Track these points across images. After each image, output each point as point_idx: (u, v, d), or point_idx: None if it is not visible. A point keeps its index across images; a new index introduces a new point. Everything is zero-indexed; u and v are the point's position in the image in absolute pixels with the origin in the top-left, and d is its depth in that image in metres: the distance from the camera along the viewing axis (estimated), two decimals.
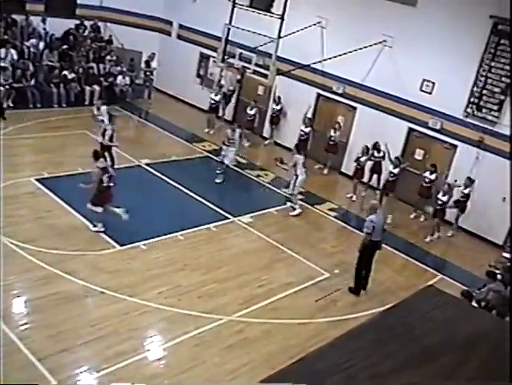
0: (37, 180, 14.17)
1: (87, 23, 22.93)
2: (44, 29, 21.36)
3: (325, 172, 18.38)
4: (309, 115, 18.57)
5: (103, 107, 16.05)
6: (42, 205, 13.11)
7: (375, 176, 16.97)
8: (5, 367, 8.24)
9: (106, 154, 14.14)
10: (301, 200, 15.85)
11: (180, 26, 22.96)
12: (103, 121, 15.55)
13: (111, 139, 15.05)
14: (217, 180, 15.94)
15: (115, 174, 12.52)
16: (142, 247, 12.12)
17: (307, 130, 18.23)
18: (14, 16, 20.95)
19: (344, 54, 17.04)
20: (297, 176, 15.07)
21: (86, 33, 22.76)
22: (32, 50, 20.50)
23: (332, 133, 17.95)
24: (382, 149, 16.43)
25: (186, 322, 10.05)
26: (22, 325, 9.30)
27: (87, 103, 20.69)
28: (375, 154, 16.69)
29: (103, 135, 15.11)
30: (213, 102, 20.29)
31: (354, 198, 16.78)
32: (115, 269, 11.19)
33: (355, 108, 18.33)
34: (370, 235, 11.36)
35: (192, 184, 15.39)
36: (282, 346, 9.87)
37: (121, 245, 12.02)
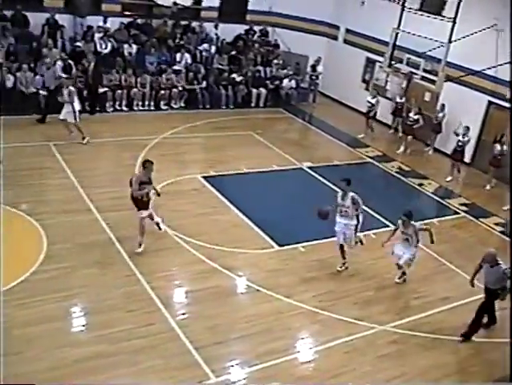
0: (203, 177, 14.83)
1: (256, 28, 23.69)
2: (216, 34, 22.37)
3: (492, 184, 17.31)
4: (459, 130, 17.34)
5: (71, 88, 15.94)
6: (207, 202, 13.69)
7: None
8: (165, 352, 8.75)
9: None
10: (465, 212, 15.18)
11: (347, 31, 22.91)
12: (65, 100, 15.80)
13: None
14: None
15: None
16: (301, 249, 12.20)
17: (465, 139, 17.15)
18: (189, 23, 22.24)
19: None
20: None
21: (255, 37, 23.49)
22: (204, 54, 21.56)
23: (498, 147, 16.81)
24: None
25: (339, 327, 9.98)
26: (183, 314, 9.77)
27: (253, 105, 21.39)
28: None
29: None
30: (369, 105, 19.90)
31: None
32: (272, 268, 11.38)
33: None
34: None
35: (353, 189, 15.20)
36: (438, 362, 9.47)
37: (280, 246, 12.19)
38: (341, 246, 11.59)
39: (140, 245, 11.14)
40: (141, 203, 11.03)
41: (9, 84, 17.36)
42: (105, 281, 10.20)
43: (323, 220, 11.32)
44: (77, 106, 15.92)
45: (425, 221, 14.20)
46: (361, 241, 11.82)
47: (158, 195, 11.47)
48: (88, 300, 9.73)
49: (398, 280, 11.54)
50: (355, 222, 11.31)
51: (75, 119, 15.82)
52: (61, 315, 9.29)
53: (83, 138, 15.92)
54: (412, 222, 10.86)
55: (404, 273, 11.55)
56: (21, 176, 13.47)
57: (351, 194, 11.19)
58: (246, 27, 23.54)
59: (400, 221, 10.98)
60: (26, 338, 8.65)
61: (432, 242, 11.23)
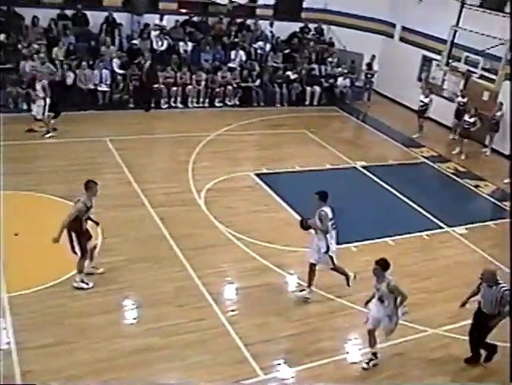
0: (256, 174, 14.87)
1: (311, 26, 23.59)
2: (271, 32, 22.41)
3: None
4: None
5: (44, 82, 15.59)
6: (260, 199, 13.73)
7: None
8: (214, 348, 8.81)
9: None
10: None
11: (404, 29, 22.55)
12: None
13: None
14: None
15: None
16: (352, 249, 12.09)
17: None
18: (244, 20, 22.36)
19: None
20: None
21: (309, 35, 23.40)
22: (259, 51, 21.61)
23: None
24: None
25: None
26: (233, 310, 9.80)
27: (307, 103, 21.31)
28: None
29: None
30: (421, 104, 19.40)
31: None
32: (324, 267, 11.24)
33: None
34: None
35: (406, 189, 15.04)
36: (490, 368, 9.23)
37: None
38: (311, 265, 10.27)
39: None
40: (82, 234, 9.64)
41: (69, 81, 17.82)
42: (157, 275, 10.35)
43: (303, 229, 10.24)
44: (48, 101, 15.55)
45: (479, 224, 13.92)
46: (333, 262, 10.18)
47: (97, 224, 10.26)
48: (140, 293, 9.88)
49: (366, 365, 8.93)
50: (324, 244, 9.93)
51: (43, 114, 15.53)
52: (114, 307, 9.48)
53: (48, 132, 15.60)
54: (387, 275, 8.52)
55: (375, 356, 8.94)
56: (78, 170, 13.79)
57: (320, 209, 9.78)
58: (301, 25, 23.46)
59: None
60: (80, 328, 8.86)
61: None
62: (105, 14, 19.98)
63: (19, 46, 18.01)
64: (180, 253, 11.00)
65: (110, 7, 20.25)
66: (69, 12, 19.59)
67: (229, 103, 20.11)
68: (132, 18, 20.57)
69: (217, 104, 19.91)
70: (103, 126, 16.63)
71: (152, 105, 18.79)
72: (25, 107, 17.23)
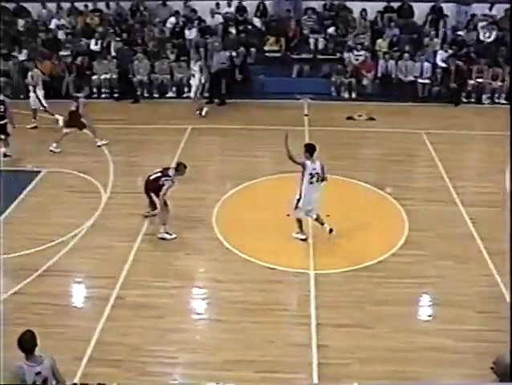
0: None
1: None
2: None
3: None
4: None
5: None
6: None
7: None
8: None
9: None
10: None
11: None
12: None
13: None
14: None
15: None
16: None
17: None
18: None
19: None
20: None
21: None
22: None
23: None
24: None
25: None
26: None
27: None
28: None
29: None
30: None
31: None
32: None
33: None
34: None
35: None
36: None
37: None
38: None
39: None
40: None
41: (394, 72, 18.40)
42: (460, 276, 10.03)
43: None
44: (203, 81, 16.57)
45: None
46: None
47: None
48: (440, 291, 9.70)
49: None
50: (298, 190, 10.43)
51: (196, 94, 16.67)
52: (411, 300, 9.51)
53: (200, 109, 16.54)
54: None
55: None
56: (391, 160, 14.08)
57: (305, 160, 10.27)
58: None
59: None
60: (377, 315, 9.06)
61: None
62: (431, 4, 19.81)
63: (347, 37, 18.96)
64: (489, 256, 10.45)
65: None
66: (395, 4, 19.93)
67: None
68: (460, 8, 20.01)
69: None
70: (420, 119, 16.62)
71: (472, 100, 18.16)
72: (346, 95, 18.22)
